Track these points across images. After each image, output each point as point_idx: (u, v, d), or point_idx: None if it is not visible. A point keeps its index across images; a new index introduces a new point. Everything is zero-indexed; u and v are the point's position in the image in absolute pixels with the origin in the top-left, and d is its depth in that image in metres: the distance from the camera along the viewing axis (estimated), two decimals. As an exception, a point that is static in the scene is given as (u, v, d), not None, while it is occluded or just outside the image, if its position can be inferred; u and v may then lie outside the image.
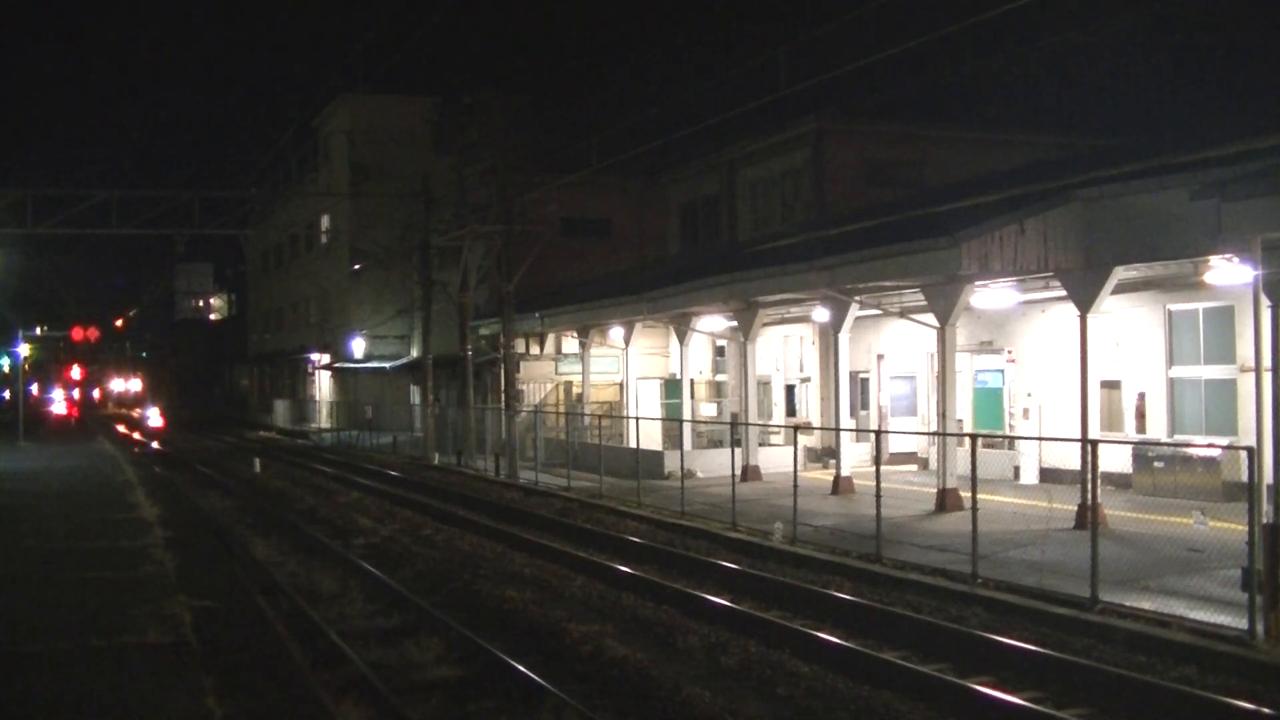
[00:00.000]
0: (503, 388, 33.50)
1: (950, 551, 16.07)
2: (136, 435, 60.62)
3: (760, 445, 27.74)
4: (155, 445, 50.46)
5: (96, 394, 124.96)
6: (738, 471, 23.10)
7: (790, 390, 33.23)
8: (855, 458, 26.29)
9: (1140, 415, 22.62)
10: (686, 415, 30.48)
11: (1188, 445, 20.60)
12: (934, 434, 22.56)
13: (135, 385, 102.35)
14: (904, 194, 31.40)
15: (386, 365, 53.00)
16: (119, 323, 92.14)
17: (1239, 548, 11.98)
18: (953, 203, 21.59)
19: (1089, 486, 14.98)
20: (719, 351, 35.78)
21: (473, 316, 38.57)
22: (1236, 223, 14.85)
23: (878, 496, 17.01)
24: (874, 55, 16.76)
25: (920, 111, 33.34)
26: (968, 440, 16.97)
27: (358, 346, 56.96)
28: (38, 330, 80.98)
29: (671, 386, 33.98)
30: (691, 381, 32.57)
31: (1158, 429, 22.22)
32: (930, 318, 21.37)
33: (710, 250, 37.54)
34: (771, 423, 31.79)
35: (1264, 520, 11.91)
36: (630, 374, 32.90)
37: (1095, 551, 13.00)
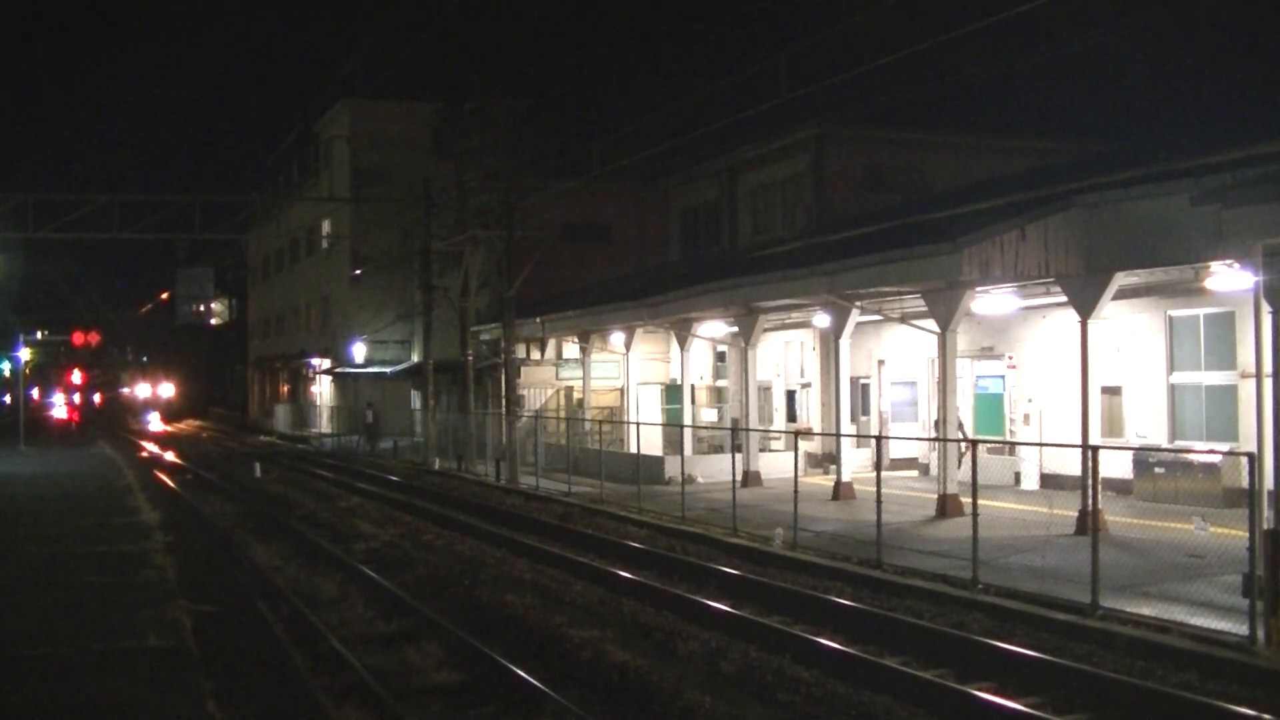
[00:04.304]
0: (503, 393, 33.51)
1: (951, 557, 16.07)
2: (137, 440, 60.58)
3: (761, 451, 27.73)
4: (155, 449, 50.45)
5: (97, 398, 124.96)
6: (738, 477, 23.11)
7: (791, 395, 33.24)
8: (856, 463, 26.28)
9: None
10: (687, 420, 30.48)
11: (1188, 451, 20.60)
12: (934, 439, 22.56)
13: (167, 390, 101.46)
14: (905, 199, 31.43)
15: (387, 370, 52.99)
16: (145, 309, 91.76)
17: (1240, 553, 11.97)
18: (954, 208, 21.60)
19: (1089, 492, 14.97)
20: (720, 357, 35.80)
21: (474, 321, 38.58)
22: (1237, 228, 14.85)
23: (878, 502, 17.00)
24: (875, 61, 16.79)
25: (921, 117, 33.38)
26: (967, 445, 16.97)
27: (359, 351, 56.97)
28: (38, 334, 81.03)
29: (672, 392, 33.99)
30: (692, 387, 32.58)
31: (1158, 435, 22.22)
32: (931, 323, 21.37)
33: (711, 256, 37.56)
34: (772, 428, 31.79)
35: (1265, 526, 11.90)
36: (631, 379, 32.91)
37: (1096, 557, 12.99)
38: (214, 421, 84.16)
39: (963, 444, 24.83)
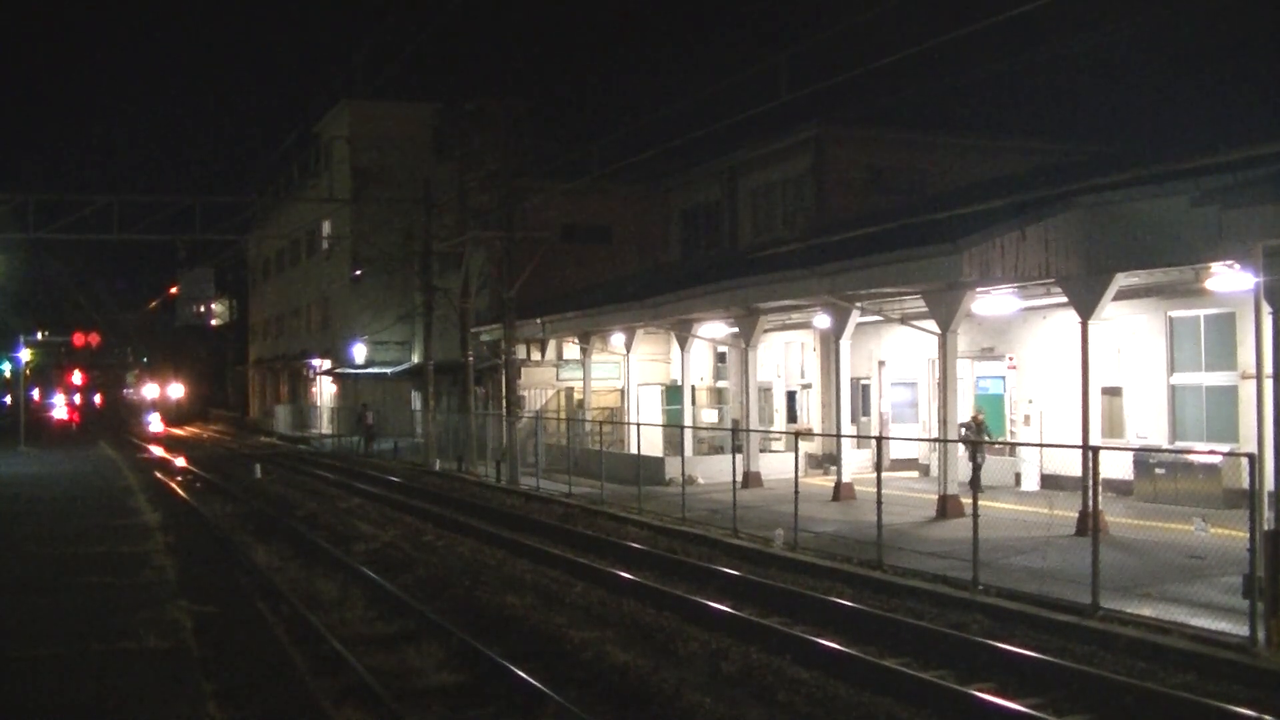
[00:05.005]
0: (504, 394, 33.51)
1: (951, 558, 16.07)
2: (137, 441, 60.61)
3: (761, 451, 27.73)
4: (156, 451, 50.46)
5: (98, 399, 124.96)
6: (739, 477, 23.11)
7: (791, 396, 33.24)
8: (856, 464, 26.28)
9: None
10: (688, 421, 30.47)
11: (1188, 452, 20.60)
12: (935, 440, 22.55)
13: (167, 390, 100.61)
14: (905, 200, 31.42)
15: (388, 371, 52.99)
16: (152, 305, 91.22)
17: (1240, 554, 11.98)
18: (954, 209, 21.61)
19: (1090, 493, 14.96)
20: (720, 358, 35.80)
21: (474, 322, 38.59)
22: (1237, 229, 14.85)
23: (878, 503, 17.00)
24: (875, 62, 16.79)
25: (921, 118, 33.39)
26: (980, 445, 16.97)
27: (359, 352, 56.98)
28: (39, 335, 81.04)
29: (673, 393, 33.97)
30: (693, 388, 32.56)
31: (1158, 435, 22.22)
32: (931, 324, 21.37)
33: (712, 257, 37.56)
34: (772, 429, 31.78)
35: (1265, 527, 11.90)
36: (631, 380, 32.91)
37: (1096, 558, 12.99)
38: (215, 422, 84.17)
39: (969, 442, 24.12)
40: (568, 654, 12.26)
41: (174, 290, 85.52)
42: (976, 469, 23.24)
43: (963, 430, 24.02)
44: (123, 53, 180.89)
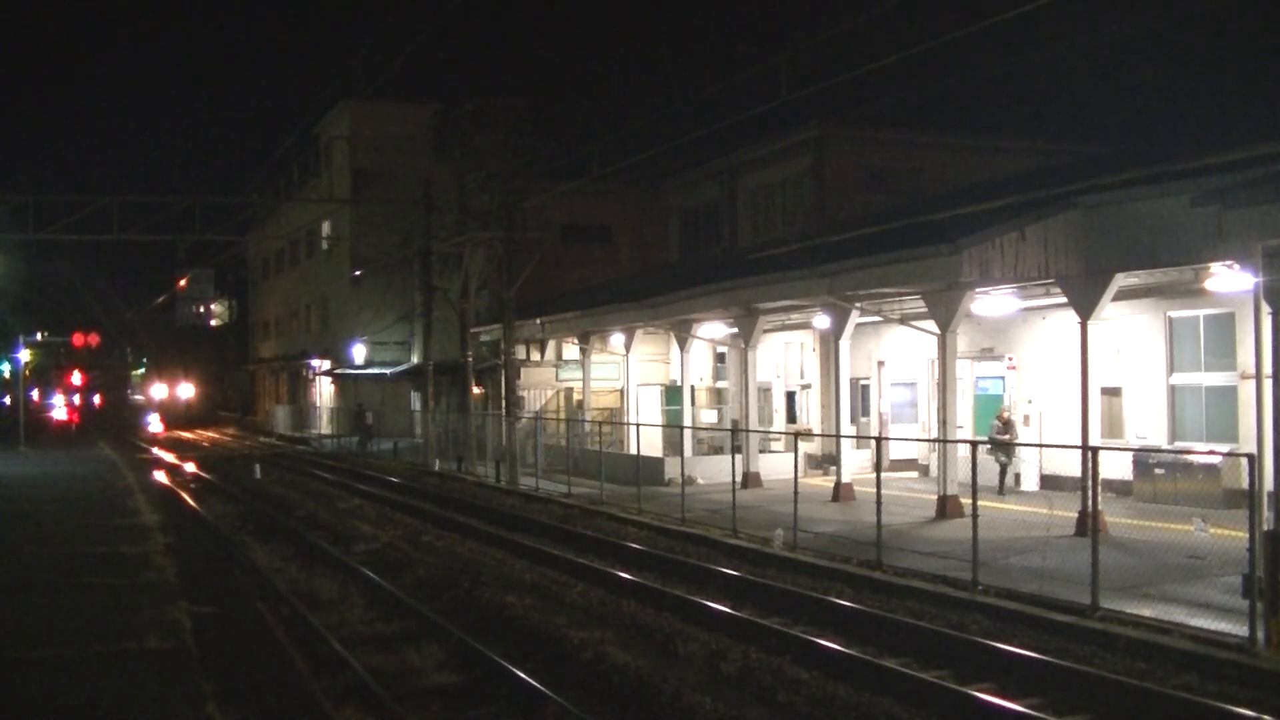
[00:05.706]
0: (503, 394, 33.50)
1: (951, 558, 16.07)
2: (137, 442, 60.59)
3: (761, 452, 27.72)
4: (155, 452, 50.44)
5: (97, 400, 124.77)
6: (738, 478, 23.12)
7: (791, 397, 33.24)
8: (856, 464, 26.27)
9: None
10: (687, 422, 30.46)
11: (1188, 452, 20.59)
12: (934, 440, 22.54)
13: (167, 391, 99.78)
14: (904, 201, 31.42)
15: (387, 371, 52.98)
16: (181, 283, 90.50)
17: (1240, 554, 11.98)
18: (953, 210, 21.60)
19: (1089, 493, 14.96)
20: (720, 358, 35.80)
21: (474, 323, 38.58)
22: (1237, 229, 14.85)
23: (878, 503, 17.00)
24: (875, 62, 16.79)
25: (920, 118, 33.41)
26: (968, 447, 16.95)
27: (359, 352, 56.97)
28: (39, 336, 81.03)
29: (672, 393, 33.98)
30: (692, 388, 32.56)
31: (1158, 436, 22.22)
32: (931, 324, 21.37)
33: (711, 257, 37.57)
34: (772, 429, 31.78)
35: (1265, 527, 11.91)
36: (631, 380, 32.91)
37: (1096, 558, 12.99)
38: (214, 423, 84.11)
39: (993, 441, 22.99)
40: (568, 654, 12.25)
41: (182, 284, 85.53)
42: (1004, 468, 23.29)
43: (994, 427, 23.65)
44: (123, 53, 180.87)
